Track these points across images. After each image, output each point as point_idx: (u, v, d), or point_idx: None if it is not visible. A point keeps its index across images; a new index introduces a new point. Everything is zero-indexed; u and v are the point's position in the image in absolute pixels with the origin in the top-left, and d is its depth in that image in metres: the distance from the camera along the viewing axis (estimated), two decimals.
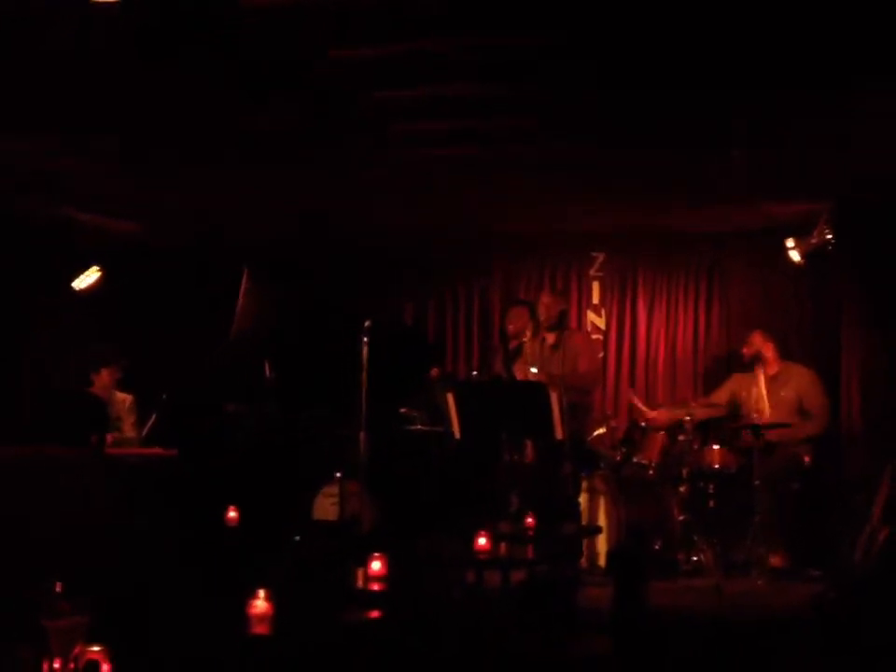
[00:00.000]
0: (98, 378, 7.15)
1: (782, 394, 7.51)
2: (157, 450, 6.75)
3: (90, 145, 6.18)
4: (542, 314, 7.48)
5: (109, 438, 6.05)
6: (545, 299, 7.65)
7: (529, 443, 6.79)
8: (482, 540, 4.71)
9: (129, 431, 7.15)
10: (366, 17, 4.34)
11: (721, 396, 7.76)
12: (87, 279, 7.92)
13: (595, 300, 9.02)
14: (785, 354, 7.77)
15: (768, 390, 7.53)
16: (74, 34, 4.35)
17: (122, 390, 7.31)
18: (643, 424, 7.57)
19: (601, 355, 8.70)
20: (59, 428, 4.04)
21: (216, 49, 4.57)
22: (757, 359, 7.62)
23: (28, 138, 6.13)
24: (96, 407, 4.24)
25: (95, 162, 6.58)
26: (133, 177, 6.96)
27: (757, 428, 7.03)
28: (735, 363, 7.96)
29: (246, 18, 4.21)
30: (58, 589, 2.89)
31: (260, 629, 3.30)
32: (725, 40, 4.54)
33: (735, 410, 7.65)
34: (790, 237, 7.68)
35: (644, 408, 7.70)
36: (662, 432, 7.48)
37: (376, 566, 4.17)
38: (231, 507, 5.77)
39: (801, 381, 7.55)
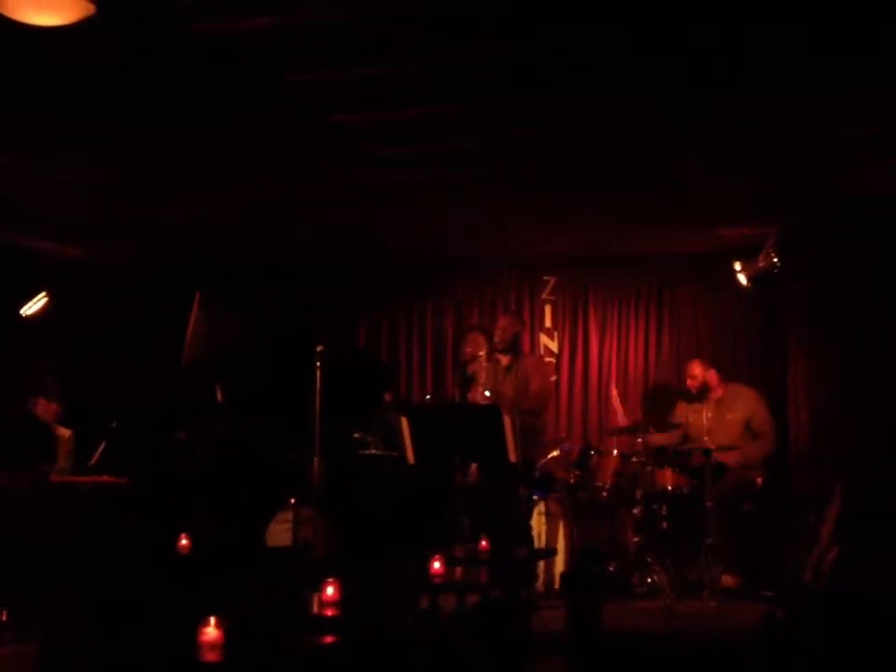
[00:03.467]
0: (34, 407, 7.05)
1: (728, 416, 7.59)
2: (106, 477, 6.66)
3: (41, 165, 6.14)
4: (498, 335, 7.53)
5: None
6: (502, 321, 7.70)
7: (474, 465, 6.79)
8: (436, 564, 4.68)
9: (62, 462, 7.03)
10: (323, 41, 4.36)
11: (677, 420, 7.84)
12: (35, 305, 7.83)
13: (548, 323, 9.08)
14: (734, 375, 7.87)
15: (714, 413, 7.60)
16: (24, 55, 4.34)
17: (62, 425, 7.22)
18: (595, 451, 7.63)
19: (553, 378, 8.75)
20: (8, 454, 3.98)
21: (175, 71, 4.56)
22: (705, 389, 7.70)
23: None
24: (44, 434, 4.18)
25: (46, 185, 6.53)
26: (83, 199, 6.90)
27: (708, 452, 7.09)
28: (684, 394, 8.01)
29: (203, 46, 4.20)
30: (3, 617, 2.85)
31: (212, 656, 3.26)
32: (676, 61, 4.60)
33: (684, 435, 7.72)
34: (737, 260, 7.79)
35: (621, 408, 7.74)
36: (615, 455, 7.53)
37: (330, 591, 4.13)
38: (183, 534, 5.70)
39: (747, 402, 7.63)
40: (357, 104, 5.14)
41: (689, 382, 7.77)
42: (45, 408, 7.09)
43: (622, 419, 7.70)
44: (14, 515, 4.19)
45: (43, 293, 7.84)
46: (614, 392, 8.12)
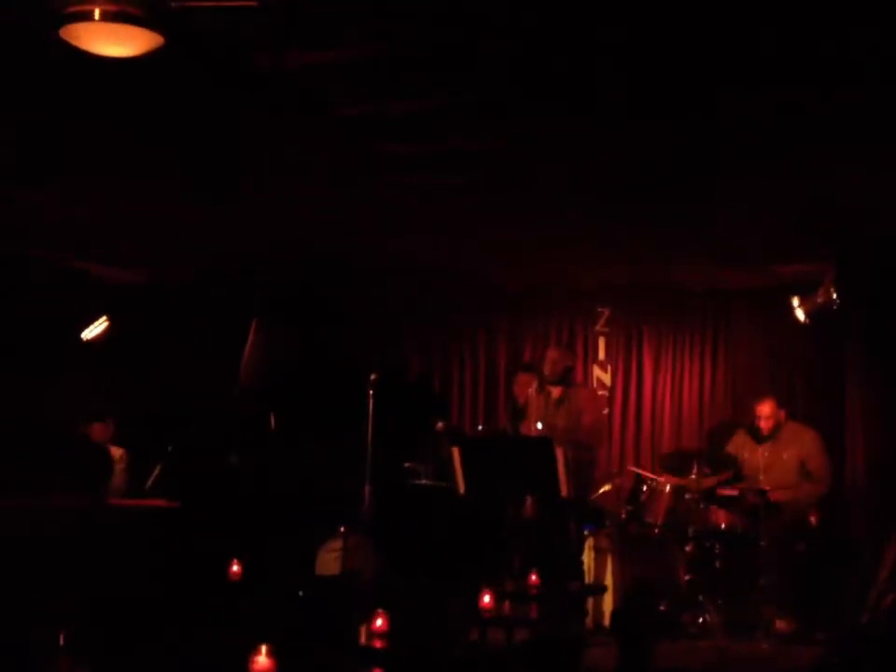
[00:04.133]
0: (90, 432, 7.16)
1: (784, 455, 7.46)
2: (160, 501, 6.72)
3: (104, 191, 6.27)
4: (548, 368, 7.49)
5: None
6: (551, 354, 7.66)
7: (530, 499, 6.75)
8: (485, 598, 4.67)
9: (116, 482, 7.11)
10: (376, 71, 4.41)
11: (729, 450, 7.72)
12: (95, 329, 7.96)
13: (601, 355, 9.03)
14: (790, 413, 7.75)
15: (771, 452, 7.48)
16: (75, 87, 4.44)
17: (115, 444, 7.31)
18: (649, 482, 7.52)
19: (606, 411, 8.69)
20: (68, 475, 4.04)
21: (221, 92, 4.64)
22: (777, 428, 7.54)
23: (39, 188, 6.21)
24: (103, 456, 4.24)
25: (103, 211, 6.65)
26: (140, 224, 7.02)
27: (762, 492, 6.99)
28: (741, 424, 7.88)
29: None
30: (61, 642, 2.88)
31: None
32: (730, 103, 4.60)
33: (737, 470, 7.59)
34: (795, 296, 7.71)
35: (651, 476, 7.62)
36: (668, 491, 7.43)
37: (379, 622, 4.13)
38: (234, 560, 5.73)
39: (803, 442, 7.49)
40: (402, 133, 5.18)
41: (761, 423, 7.51)
42: (101, 430, 7.19)
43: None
44: (71, 537, 4.24)
45: (104, 317, 7.96)
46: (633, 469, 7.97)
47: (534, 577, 5.38)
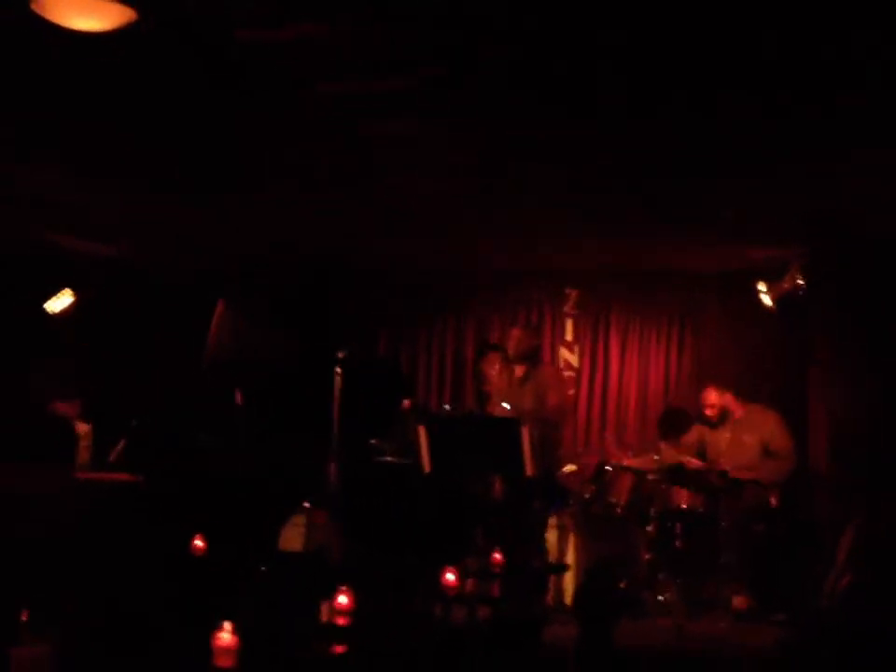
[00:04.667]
0: (56, 408, 7.12)
1: (746, 438, 7.55)
2: (123, 475, 6.69)
3: (77, 167, 6.20)
4: (511, 347, 7.49)
5: None
6: (515, 332, 7.67)
7: (495, 478, 6.79)
8: (449, 576, 4.71)
9: (82, 457, 7.07)
10: (357, 52, 4.39)
11: (690, 440, 7.81)
12: (59, 302, 7.88)
13: (569, 337, 9.07)
14: (754, 396, 7.83)
15: (732, 435, 7.57)
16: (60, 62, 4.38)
17: (82, 419, 7.27)
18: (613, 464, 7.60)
19: (572, 392, 8.74)
20: (36, 446, 4.02)
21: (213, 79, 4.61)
22: (724, 415, 7.67)
23: (15, 163, 6.15)
24: (67, 432, 4.23)
25: (81, 187, 6.59)
26: (118, 202, 6.96)
27: (724, 474, 7.08)
28: (702, 419, 7.95)
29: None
30: (23, 618, 2.88)
31: (225, 662, 3.28)
32: (704, 88, 4.62)
33: (701, 455, 7.69)
34: (761, 280, 7.77)
35: (617, 452, 7.70)
36: (631, 471, 7.50)
37: (342, 599, 4.16)
38: (198, 535, 5.73)
39: (765, 423, 7.59)
40: (384, 113, 5.16)
41: (707, 412, 7.69)
42: (65, 407, 7.14)
43: (624, 461, 7.62)
44: (34, 515, 4.23)
45: (67, 290, 7.89)
46: (609, 437, 8.06)
47: (497, 555, 5.42)
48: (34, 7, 3.77)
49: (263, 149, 5.75)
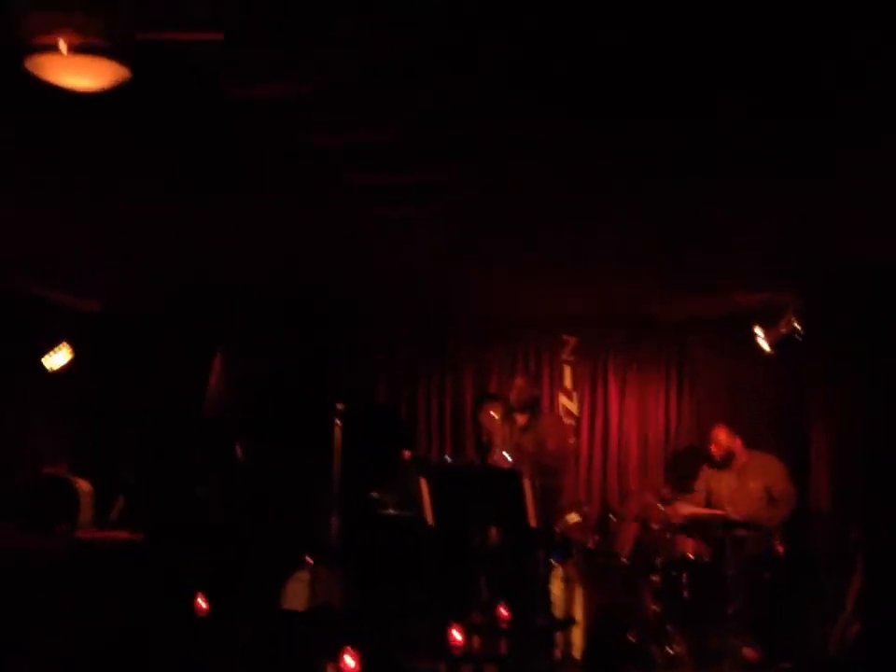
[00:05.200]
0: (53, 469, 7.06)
1: (750, 484, 7.51)
2: (124, 534, 6.62)
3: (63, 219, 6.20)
4: (514, 396, 7.46)
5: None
6: (518, 381, 7.64)
7: (495, 530, 6.72)
8: (455, 633, 4.62)
9: (85, 517, 6.99)
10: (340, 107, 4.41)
11: (699, 491, 7.75)
12: (57, 357, 7.84)
13: (567, 384, 9.02)
14: (754, 441, 7.78)
15: (736, 482, 7.52)
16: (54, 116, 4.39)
17: (81, 476, 7.19)
18: (614, 516, 7.53)
19: (573, 440, 8.68)
20: (26, 515, 3.97)
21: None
22: (729, 456, 7.63)
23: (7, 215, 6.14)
24: (65, 493, 4.17)
25: (67, 236, 6.58)
26: (105, 250, 6.95)
27: (729, 524, 7.02)
28: (709, 458, 7.90)
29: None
30: None
31: None
32: (694, 131, 4.63)
33: (708, 503, 7.63)
34: (758, 325, 7.76)
35: (662, 507, 7.55)
36: (635, 520, 7.44)
37: (349, 660, 4.08)
38: (200, 594, 5.64)
39: (768, 470, 7.55)
40: (372, 164, 5.18)
41: (713, 449, 7.68)
42: (53, 470, 7.07)
43: (673, 516, 7.47)
44: (37, 575, 4.16)
45: (64, 344, 7.84)
46: (649, 497, 7.87)
47: (503, 610, 5.34)
48: (28, 66, 3.77)
49: (258, 193, 5.75)
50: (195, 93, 4.14)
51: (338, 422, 7.08)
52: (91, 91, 3.88)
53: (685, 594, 7.05)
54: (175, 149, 5.01)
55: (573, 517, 7.68)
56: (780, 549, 7.37)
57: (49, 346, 7.83)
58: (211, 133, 4.75)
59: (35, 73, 3.78)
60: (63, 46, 3.60)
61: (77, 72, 3.75)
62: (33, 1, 3.43)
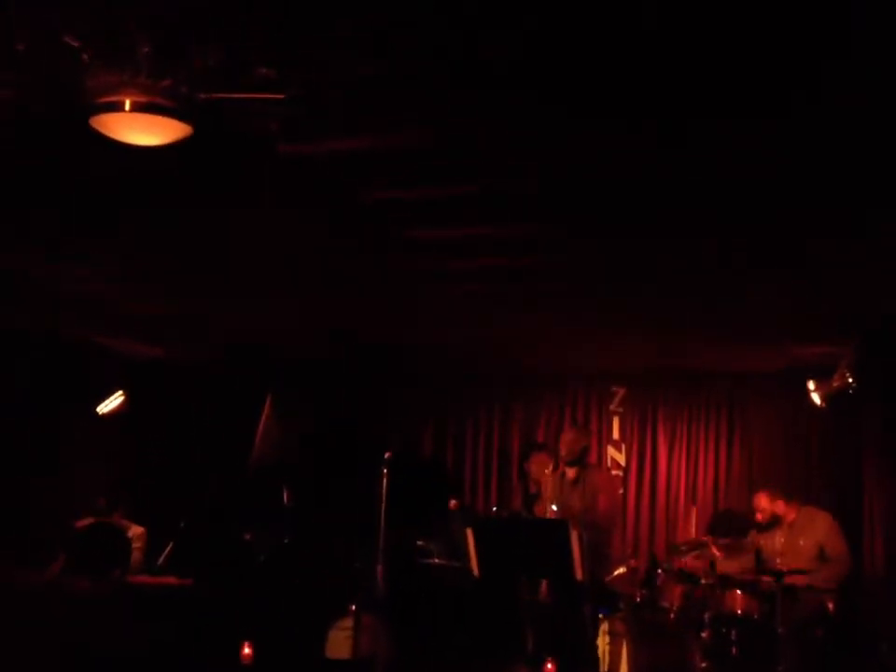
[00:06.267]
0: (114, 513, 7.14)
1: (801, 541, 7.39)
2: (172, 579, 6.67)
3: (125, 269, 6.34)
4: (564, 449, 7.42)
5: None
6: (568, 435, 7.60)
7: (545, 582, 6.68)
8: None
9: (137, 562, 7.06)
10: (398, 163, 4.49)
11: (748, 550, 7.66)
12: (111, 403, 7.97)
13: (616, 435, 9.00)
14: (806, 497, 7.68)
15: (787, 538, 7.42)
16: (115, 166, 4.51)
17: (135, 522, 7.28)
18: (663, 568, 7.43)
19: (621, 491, 8.64)
20: (82, 560, 4.03)
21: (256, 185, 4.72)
22: (774, 520, 7.53)
23: (65, 264, 6.29)
24: (119, 540, 4.23)
25: (127, 286, 6.72)
26: (162, 298, 7.08)
27: (779, 575, 6.90)
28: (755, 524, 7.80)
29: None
30: None
31: None
32: (745, 185, 4.64)
33: (756, 560, 7.52)
34: (811, 378, 7.68)
35: (711, 561, 7.48)
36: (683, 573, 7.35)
37: None
38: (246, 642, 5.67)
39: (820, 526, 7.43)
40: (428, 220, 5.25)
41: (758, 516, 7.55)
42: (124, 512, 7.17)
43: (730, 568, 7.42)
44: (86, 617, 4.22)
45: (120, 392, 7.97)
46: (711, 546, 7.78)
47: (550, 665, 5.30)
48: (93, 124, 3.88)
49: (309, 249, 5.84)
50: (254, 151, 4.23)
51: (385, 470, 7.12)
52: (153, 146, 3.98)
53: (734, 651, 6.93)
54: (236, 207, 5.12)
55: (620, 570, 7.61)
56: (832, 608, 7.25)
57: (105, 392, 7.96)
58: (269, 192, 4.86)
59: (100, 130, 3.89)
60: (128, 105, 3.71)
61: (141, 129, 3.86)
62: (99, 62, 3.53)
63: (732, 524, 7.93)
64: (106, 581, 4.01)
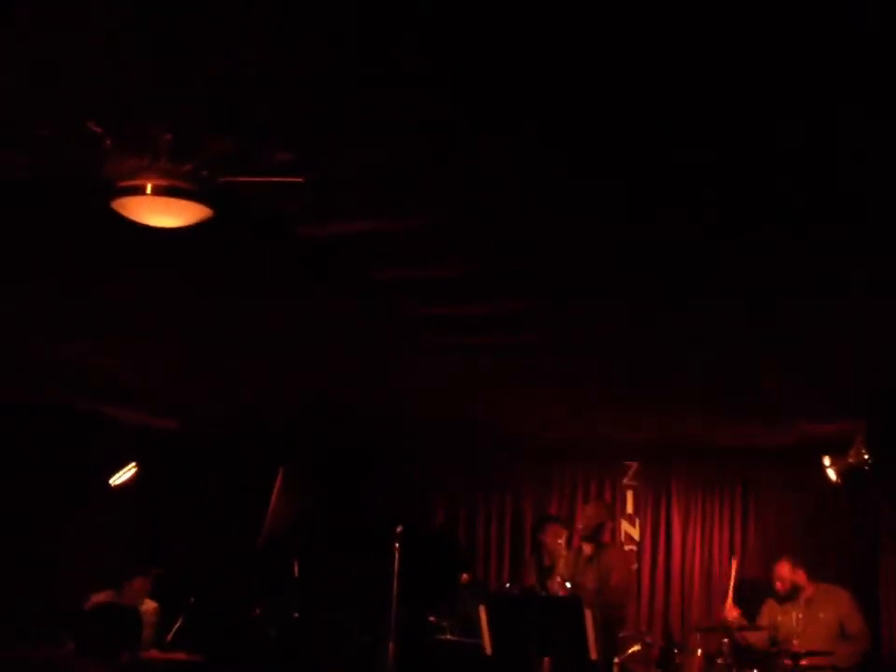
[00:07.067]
0: (130, 586, 7.09)
1: (821, 616, 7.26)
2: (181, 655, 6.62)
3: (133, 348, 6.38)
4: (582, 523, 7.36)
5: None
6: (589, 509, 7.53)
7: (547, 660, 6.56)
8: None
9: (148, 637, 7.00)
10: (411, 241, 4.53)
11: (763, 625, 7.54)
12: (123, 475, 7.96)
13: (629, 509, 8.93)
14: (822, 574, 7.58)
15: (805, 615, 7.30)
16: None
17: (149, 596, 7.23)
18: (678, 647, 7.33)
19: (635, 566, 8.55)
20: (91, 641, 4.00)
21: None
22: (795, 590, 7.41)
23: (74, 340, 6.33)
24: (130, 621, 4.20)
25: (136, 362, 6.75)
26: (173, 375, 7.11)
27: (797, 655, 6.80)
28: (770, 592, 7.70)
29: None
30: None
31: None
32: (741, 260, 4.66)
33: (774, 636, 7.40)
34: (826, 455, 7.63)
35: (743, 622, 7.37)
36: (699, 654, 7.24)
37: None
38: None
39: (839, 603, 7.31)
40: (437, 297, 5.29)
41: (778, 585, 7.45)
42: (141, 584, 7.13)
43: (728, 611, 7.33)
44: None
45: (132, 464, 7.97)
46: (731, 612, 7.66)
47: None
48: (114, 206, 3.93)
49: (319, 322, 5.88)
50: (271, 232, 4.28)
51: (396, 545, 7.06)
52: (173, 228, 4.03)
53: None
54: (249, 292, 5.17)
55: (635, 648, 7.50)
56: None
57: (117, 464, 7.96)
58: (281, 271, 4.91)
59: (121, 212, 3.94)
60: (148, 188, 3.76)
61: (162, 211, 3.90)
62: (121, 146, 3.58)
63: (753, 593, 7.79)
64: (116, 663, 3.97)
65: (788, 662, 6.91)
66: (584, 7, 2.64)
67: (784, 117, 3.15)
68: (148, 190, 3.78)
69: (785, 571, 7.41)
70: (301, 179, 3.77)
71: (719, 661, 7.11)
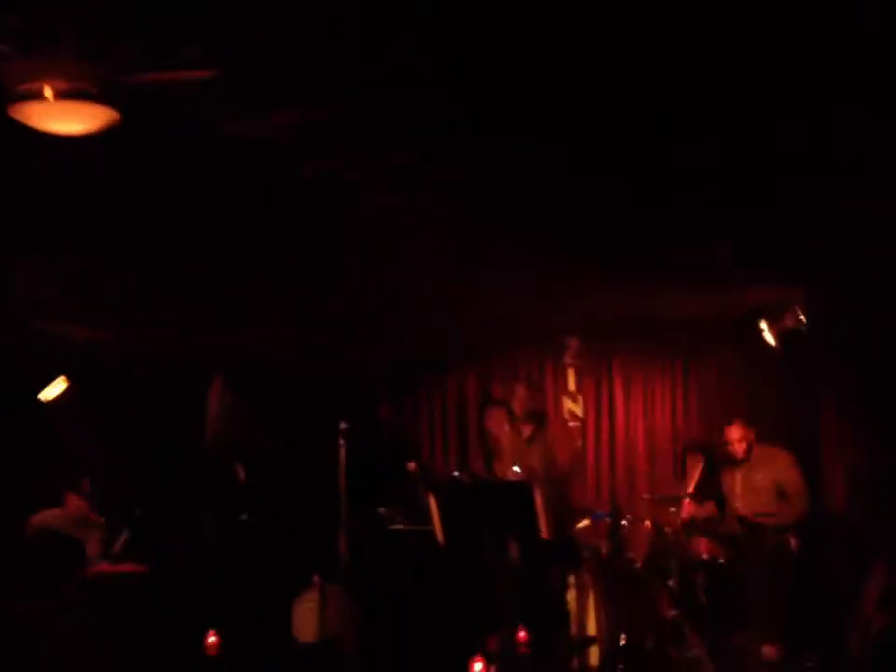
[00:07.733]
0: (70, 499, 6.95)
1: (758, 478, 7.36)
2: (129, 566, 6.52)
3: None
4: (517, 406, 7.34)
5: None
6: (519, 391, 7.50)
7: (514, 545, 6.61)
8: (477, 666, 4.53)
9: (94, 551, 6.90)
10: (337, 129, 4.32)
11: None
12: (53, 390, 7.71)
13: (571, 386, 8.93)
14: (762, 437, 7.66)
15: (744, 477, 7.40)
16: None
17: (95, 511, 7.11)
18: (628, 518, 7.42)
19: (579, 443, 8.59)
20: (30, 575, 3.88)
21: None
22: (750, 449, 7.45)
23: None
24: (68, 548, 4.07)
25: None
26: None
27: (743, 519, 6.94)
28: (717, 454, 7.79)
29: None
30: None
31: None
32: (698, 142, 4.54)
33: (719, 503, 7.52)
34: (764, 320, 7.67)
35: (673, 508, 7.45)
36: (648, 525, 7.34)
37: None
38: (211, 631, 5.54)
39: (777, 464, 7.38)
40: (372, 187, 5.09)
41: (733, 447, 7.47)
42: (76, 504, 6.99)
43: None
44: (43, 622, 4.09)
45: (62, 378, 7.72)
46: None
47: (522, 633, 5.25)
48: (13, 114, 3.65)
49: (256, 235, 5.67)
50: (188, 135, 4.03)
51: (342, 440, 6.99)
52: (79, 134, 3.76)
53: (702, 596, 6.98)
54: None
55: (584, 522, 7.59)
56: (795, 547, 7.28)
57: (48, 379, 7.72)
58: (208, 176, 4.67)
59: (21, 120, 3.66)
60: (49, 93, 3.48)
61: (65, 117, 3.65)
62: (17, 49, 3.30)
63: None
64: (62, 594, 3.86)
65: (734, 526, 7.07)
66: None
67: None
68: (49, 95, 3.51)
69: (739, 432, 7.43)
70: (208, 73, 3.52)
71: (667, 529, 7.23)
